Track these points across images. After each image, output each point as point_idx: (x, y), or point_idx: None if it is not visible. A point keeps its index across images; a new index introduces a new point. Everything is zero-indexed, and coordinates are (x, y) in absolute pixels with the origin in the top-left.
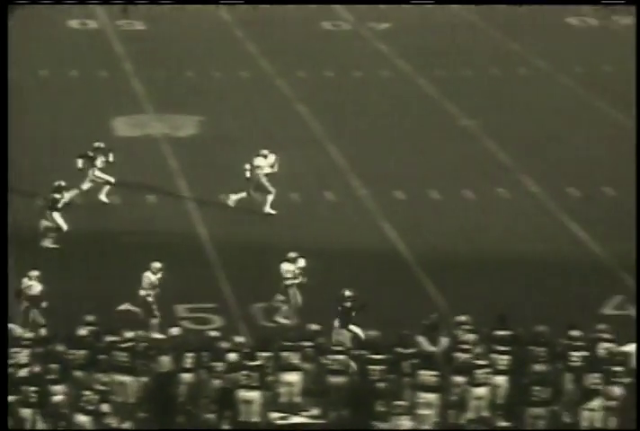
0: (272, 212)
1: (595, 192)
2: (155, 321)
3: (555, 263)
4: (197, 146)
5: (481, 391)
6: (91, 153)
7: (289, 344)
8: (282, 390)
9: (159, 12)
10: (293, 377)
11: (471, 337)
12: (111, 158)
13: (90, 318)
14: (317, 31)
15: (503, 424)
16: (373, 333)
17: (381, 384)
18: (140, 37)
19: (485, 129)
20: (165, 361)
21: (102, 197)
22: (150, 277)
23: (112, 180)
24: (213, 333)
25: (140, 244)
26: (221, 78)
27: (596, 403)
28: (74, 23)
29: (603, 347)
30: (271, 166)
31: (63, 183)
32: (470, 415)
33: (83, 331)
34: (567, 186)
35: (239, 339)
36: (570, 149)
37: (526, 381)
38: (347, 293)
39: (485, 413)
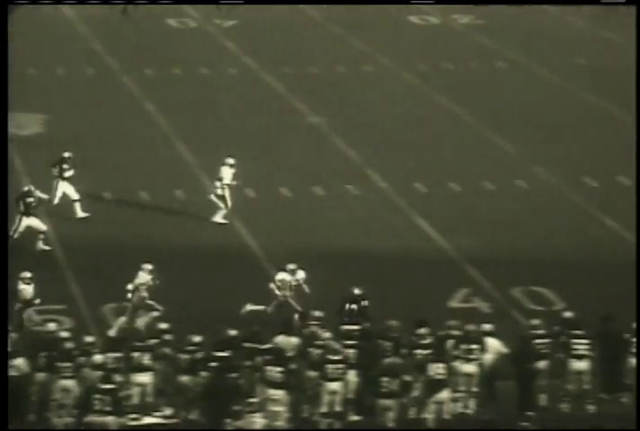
0: (224, 221)
1: (441, 188)
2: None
3: (403, 257)
4: (42, 145)
5: (334, 385)
6: (65, 166)
7: (140, 344)
8: (134, 390)
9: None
10: (144, 378)
11: (325, 333)
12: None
13: None
14: (164, 29)
15: (355, 418)
16: (232, 332)
17: (235, 382)
18: None
19: (333, 126)
20: (21, 363)
21: (80, 214)
22: (145, 276)
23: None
24: (64, 334)
25: None
26: (65, 75)
27: (444, 395)
28: None
29: (451, 342)
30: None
31: (32, 188)
32: (324, 409)
33: None
34: (414, 181)
35: (89, 339)
36: (415, 146)
37: (374, 373)
38: (356, 291)
39: (339, 408)
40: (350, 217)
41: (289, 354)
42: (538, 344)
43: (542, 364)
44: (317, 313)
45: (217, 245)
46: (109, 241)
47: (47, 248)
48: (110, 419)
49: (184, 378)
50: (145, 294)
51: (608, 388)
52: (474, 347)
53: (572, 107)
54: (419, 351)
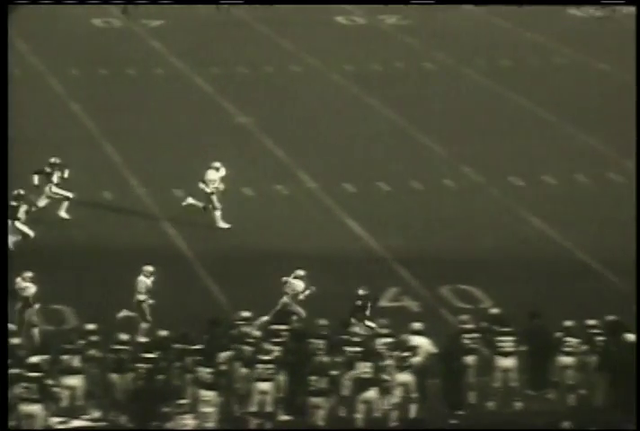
0: (226, 226)
1: (370, 187)
2: (145, 326)
3: (333, 257)
4: None
5: (264, 385)
6: (48, 169)
7: (69, 347)
8: (64, 393)
9: None
10: (74, 381)
11: (256, 332)
12: (66, 174)
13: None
14: (89, 29)
15: (285, 417)
16: (163, 332)
17: (164, 383)
18: None
19: (262, 126)
20: None
21: (62, 214)
22: (145, 281)
23: (71, 195)
24: None
25: None
26: None
27: (371, 394)
28: None
29: (381, 342)
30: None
31: (22, 192)
32: (254, 409)
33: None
34: (343, 182)
35: (15, 341)
36: (344, 146)
37: (304, 372)
38: (361, 291)
39: (269, 408)
40: (279, 217)
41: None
42: (466, 341)
43: (470, 361)
44: (245, 314)
45: (144, 246)
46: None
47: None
48: (36, 408)
49: (113, 379)
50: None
51: (534, 385)
52: (406, 354)
53: (498, 107)
54: (348, 349)
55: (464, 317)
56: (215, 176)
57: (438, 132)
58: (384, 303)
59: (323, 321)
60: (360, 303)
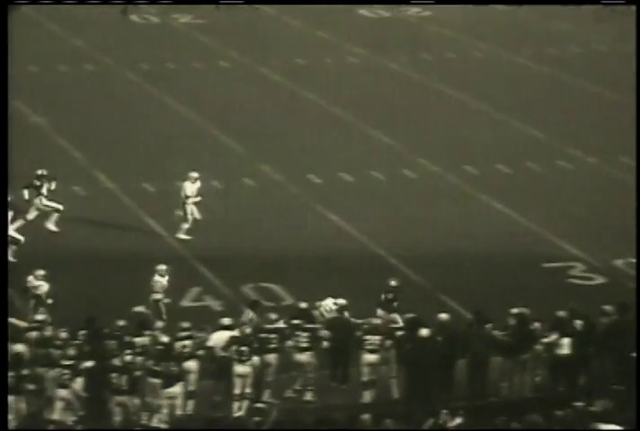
0: (187, 237)
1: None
2: (160, 325)
3: (130, 258)
4: None
5: (63, 392)
6: (37, 183)
7: None
8: None
9: None
10: None
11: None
12: (53, 186)
13: None
14: None
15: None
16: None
17: None
18: None
19: (56, 127)
20: None
21: (51, 226)
22: (161, 280)
23: (61, 207)
24: None
25: None
26: None
27: (176, 389)
28: None
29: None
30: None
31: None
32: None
33: None
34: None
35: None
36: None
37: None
38: (393, 283)
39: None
40: None
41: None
42: (267, 338)
43: (270, 358)
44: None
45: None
46: None
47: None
48: None
49: None
50: None
51: (336, 379)
52: (243, 348)
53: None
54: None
55: (271, 315)
56: (192, 188)
57: (236, 132)
58: (185, 302)
59: (122, 322)
60: (390, 295)
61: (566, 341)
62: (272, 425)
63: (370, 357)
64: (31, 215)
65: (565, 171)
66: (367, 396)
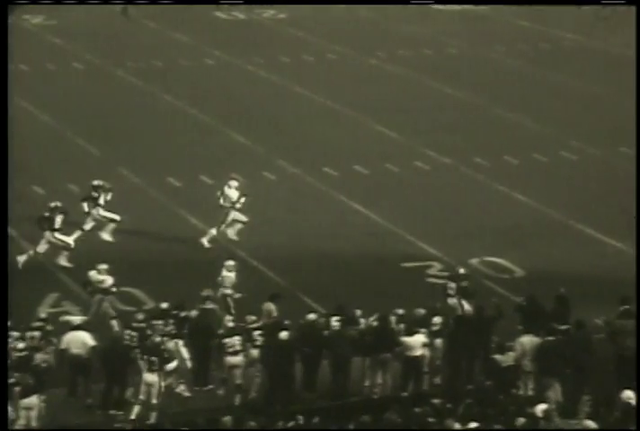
0: (209, 245)
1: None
2: (229, 318)
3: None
4: None
5: None
6: (95, 194)
7: None
8: None
9: None
10: None
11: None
12: (109, 196)
13: None
14: None
15: None
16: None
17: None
18: None
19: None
20: None
21: (106, 236)
22: (230, 275)
23: (118, 217)
24: None
25: None
26: None
27: (32, 400)
28: None
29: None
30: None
31: (59, 204)
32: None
33: None
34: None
35: None
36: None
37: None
38: (461, 271)
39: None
40: None
41: None
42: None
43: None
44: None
45: None
46: None
47: (68, 264)
48: None
49: None
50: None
51: (198, 382)
52: (153, 358)
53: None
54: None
55: (139, 316)
56: (234, 194)
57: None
58: (44, 309)
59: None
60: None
61: (421, 339)
62: None
63: (233, 360)
64: (88, 225)
65: (421, 171)
66: (236, 398)
